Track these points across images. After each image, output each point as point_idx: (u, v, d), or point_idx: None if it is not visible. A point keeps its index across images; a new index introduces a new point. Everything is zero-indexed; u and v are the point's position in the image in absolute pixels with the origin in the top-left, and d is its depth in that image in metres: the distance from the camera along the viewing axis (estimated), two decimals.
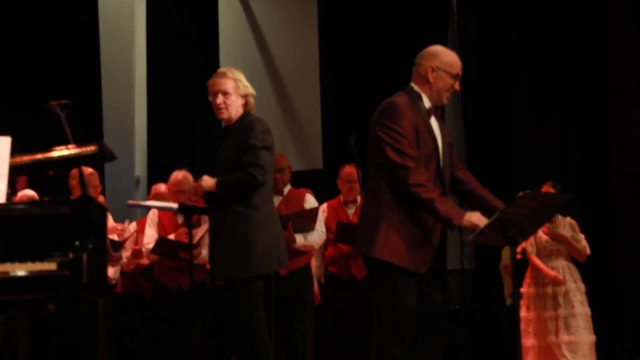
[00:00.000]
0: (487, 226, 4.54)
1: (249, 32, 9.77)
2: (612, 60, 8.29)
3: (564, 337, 7.18)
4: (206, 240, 6.73)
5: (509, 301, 8.30)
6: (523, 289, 7.41)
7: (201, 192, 5.30)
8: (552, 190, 7.20)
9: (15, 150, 4.13)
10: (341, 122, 8.72)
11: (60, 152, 4.49)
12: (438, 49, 4.68)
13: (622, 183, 8.27)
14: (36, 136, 5.14)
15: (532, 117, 8.89)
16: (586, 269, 7.47)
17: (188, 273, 6.11)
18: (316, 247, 6.83)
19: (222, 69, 5.52)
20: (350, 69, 9.28)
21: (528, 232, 4.62)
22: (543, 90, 8.89)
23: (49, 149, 4.49)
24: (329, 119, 9.37)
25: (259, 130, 5.32)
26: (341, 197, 7.12)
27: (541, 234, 7.31)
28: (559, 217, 7.42)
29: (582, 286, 7.35)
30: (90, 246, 3.91)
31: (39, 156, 4.43)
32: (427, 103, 4.63)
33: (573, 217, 7.50)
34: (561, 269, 7.35)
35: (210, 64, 9.58)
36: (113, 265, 6.84)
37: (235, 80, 5.42)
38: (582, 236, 7.43)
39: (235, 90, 5.40)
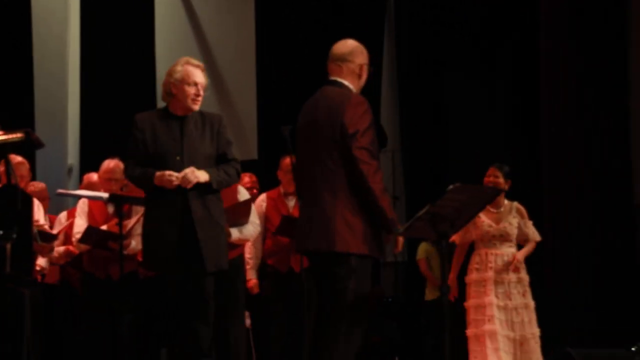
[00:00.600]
0: (417, 219, 4.58)
1: (186, 21, 9.69)
2: (544, 66, 8.39)
3: (496, 327, 6.66)
4: (138, 231, 6.66)
5: (428, 296, 8.34)
6: (468, 277, 6.96)
7: (188, 183, 5.22)
8: (498, 174, 6.80)
9: None
10: (277, 112, 8.69)
11: None
12: (360, 45, 4.81)
13: (551, 174, 8.37)
14: None
15: (467, 107, 8.96)
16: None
17: (118, 263, 6.04)
18: (251, 240, 6.81)
19: (199, 62, 5.47)
20: (287, 59, 9.25)
21: (458, 225, 4.65)
22: (476, 81, 8.95)
23: None
24: (265, 110, 9.34)
25: (227, 126, 5.50)
26: (281, 189, 7.09)
27: (484, 218, 6.80)
28: (506, 201, 6.93)
29: (525, 277, 6.88)
30: (14, 236, 3.85)
31: None
32: None
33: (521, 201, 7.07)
34: (506, 257, 6.82)
35: (145, 53, 9.49)
36: (44, 256, 6.73)
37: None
38: (530, 223, 7.00)
39: (204, 85, 5.41)
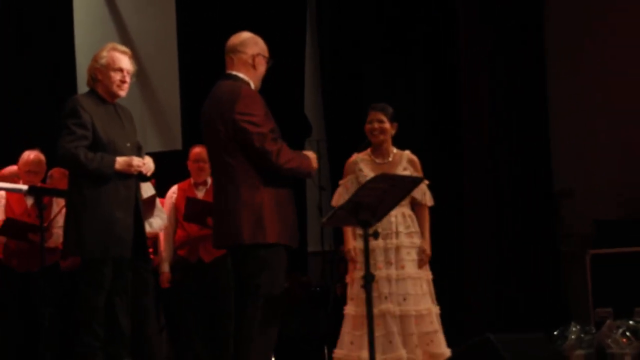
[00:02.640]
0: (339, 208, 4.64)
1: (105, 10, 9.57)
2: (463, 58, 8.47)
3: (391, 306, 5.78)
4: (59, 223, 6.57)
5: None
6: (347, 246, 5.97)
7: (149, 170, 5.25)
8: (383, 117, 5.90)
9: None
10: (200, 101, 8.62)
11: None
12: (254, 36, 4.87)
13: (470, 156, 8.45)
14: None
15: (387, 96, 9.01)
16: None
17: (37, 256, 5.95)
18: (160, 232, 6.79)
19: (126, 48, 5.37)
20: (209, 47, 9.19)
21: (380, 214, 4.70)
22: (394, 69, 8.99)
23: None
24: (188, 99, 9.28)
25: None
26: (191, 179, 7.05)
27: (366, 171, 5.88)
28: (394, 149, 6.01)
29: (417, 242, 5.91)
30: None
31: None
32: (253, 88, 4.81)
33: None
34: (394, 217, 5.84)
35: (64, 42, 9.34)
36: None
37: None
38: (424, 183, 5.94)
39: (131, 72, 5.34)
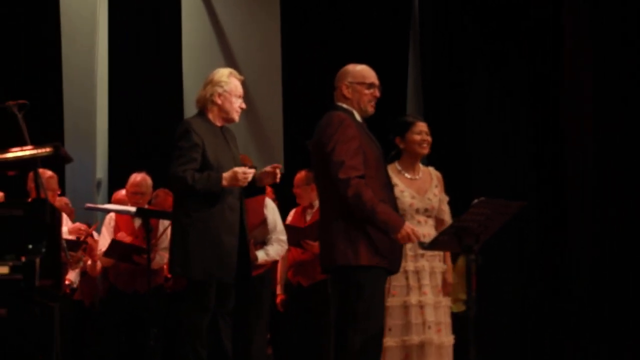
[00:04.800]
0: (441, 234, 4.62)
1: (212, 34, 9.74)
2: (566, 67, 8.38)
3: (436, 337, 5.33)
4: (163, 245, 6.71)
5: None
6: None
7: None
8: (427, 127, 5.51)
9: None
10: (302, 126, 8.72)
11: (15, 153, 4.48)
12: (347, 67, 4.88)
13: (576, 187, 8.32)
14: None
15: (489, 120, 8.93)
16: None
17: (143, 277, 6.08)
18: (278, 259, 6.84)
19: (239, 74, 5.48)
20: (313, 71, 9.28)
21: (483, 238, 4.66)
22: (498, 90, 8.92)
23: (5, 149, 4.48)
24: (291, 122, 9.37)
25: None
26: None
27: (402, 187, 5.44)
28: (420, 165, 5.61)
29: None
30: (43, 250, 3.88)
31: None
32: (358, 118, 4.80)
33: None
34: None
35: (172, 66, 9.55)
36: (73, 269, 6.78)
37: None
38: (445, 198, 5.59)
39: None
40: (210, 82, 5.34)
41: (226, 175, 5.14)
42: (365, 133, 4.73)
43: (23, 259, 3.80)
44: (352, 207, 4.51)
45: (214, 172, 5.16)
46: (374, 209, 4.49)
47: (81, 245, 6.70)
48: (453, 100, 8.99)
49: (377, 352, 4.62)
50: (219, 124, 5.37)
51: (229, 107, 5.32)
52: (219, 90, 5.30)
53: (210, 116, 5.35)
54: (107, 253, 6.66)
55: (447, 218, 5.52)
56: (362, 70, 4.85)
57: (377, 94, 4.84)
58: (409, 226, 4.54)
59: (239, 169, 5.16)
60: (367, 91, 4.80)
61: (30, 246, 3.86)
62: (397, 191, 5.21)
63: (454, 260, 5.29)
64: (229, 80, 5.33)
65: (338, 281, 4.66)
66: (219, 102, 5.30)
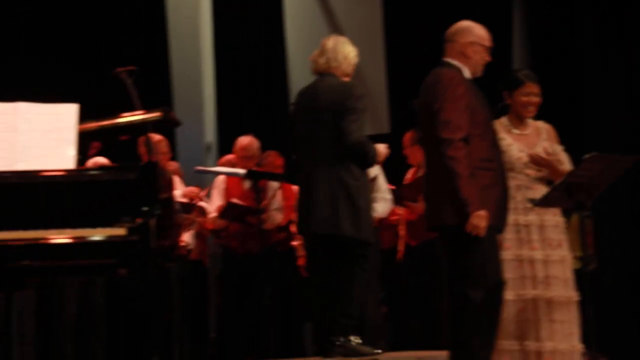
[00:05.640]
0: (553, 189, 4.55)
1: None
2: None
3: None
4: (275, 205, 6.82)
5: None
6: None
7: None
8: (537, 89, 5.33)
9: (83, 117, 4.21)
10: (406, 85, 8.66)
11: (126, 118, 4.58)
12: (471, 25, 4.79)
13: None
14: (104, 103, 5.21)
15: (603, 73, 8.68)
16: None
17: (257, 238, 6.17)
18: (385, 216, 6.86)
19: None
20: (415, 29, 9.20)
21: (594, 194, 4.58)
22: (613, 39, 8.63)
23: (116, 115, 4.59)
24: (395, 82, 9.33)
25: None
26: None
27: (510, 140, 5.28)
28: (528, 120, 5.35)
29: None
30: (157, 212, 3.97)
31: (106, 122, 4.53)
32: (467, 75, 4.72)
33: None
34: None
35: (275, 31, 9.60)
36: (187, 230, 6.92)
37: None
38: (560, 148, 5.36)
39: None
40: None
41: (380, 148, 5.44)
42: (474, 91, 4.67)
43: (138, 221, 3.88)
44: (444, 166, 4.48)
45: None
46: (461, 182, 4.43)
47: (194, 207, 6.84)
48: (563, 49, 8.77)
49: (498, 307, 4.57)
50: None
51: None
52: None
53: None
54: (223, 214, 6.78)
55: (567, 167, 5.18)
56: (484, 32, 4.80)
57: (489, 58, 4.80)
58: (482, 219, 4.44)
59: (382, 148, 5.43)
60: (484, 54, 4.77)
61: (145, 208, 3.93)
62: (504, 145, 5.07)
63: (568, 216, 5.15)
64: (352, 50, 5.47)
65: (448, 240, 4.63)
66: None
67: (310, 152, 5.30)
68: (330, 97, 5.28)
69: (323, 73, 5.41)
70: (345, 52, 5.42)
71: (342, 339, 5.12)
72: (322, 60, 5.41)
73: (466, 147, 4.46)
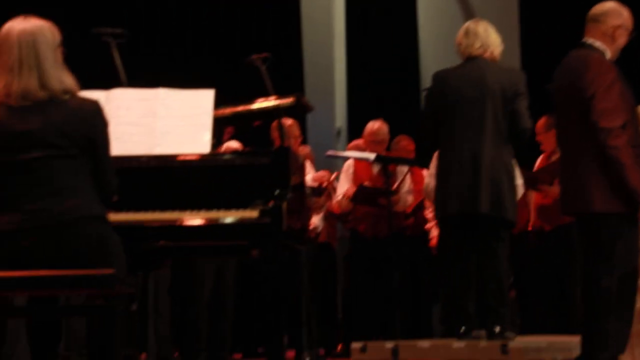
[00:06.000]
0: None
1: None
2: None
3: None
4: (405, 188, 6.87)
5: None
6: None
7: None
8: None
9: (218, 103, 4.33)
10: (541, 69, 8.53)
11: (260, 104, 4.68)
12: (619, 7, 4.66)
13: None
14: (238, 89, 5.34)
15: None
16: None
17: (384, 221, 6.20)
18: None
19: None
20: (550, 11, 9.04)
21: None
22: None
23: (250, 101, 4.69)
24: (529, 67, 9.19)
25: None
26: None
27: None
28: None
29: None
30: (289, 195, 4.05)
31: (241, 108, 4.64)
32: (608, 57, 4.60)
33: None
34: None
35: (408, 15, 9.59)
36: (316, 213, 7.02)
37: None
38: None
39: None
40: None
41: None
42: (621, 75, 4.57)
43: (270, 204, 3.97)
44: (607, 157, 4.38)
45: None
46: (628, 171, 4.34)
47: (324, 191, 6.94)
48: None
49: (632, 294, 4.48)
50: None
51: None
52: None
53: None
54: (354, 197, 6.85)
55: None
56: (630, 16, 4.68)
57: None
58: None
59: None
60: (626, 38, 4.66)
61: (277, 192, 4.02)
62: None
63: None
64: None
65: (593, 226, 4.53)
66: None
67: (474, 133, 5.21)
68: (501, 81, 5.25)
69: (475, 57, 5.36)
70: (495, 36, 5.40)
71: (498, 327, 5.09)
72: (477, 44, 5.34)
73: (624, 134, 4.38)
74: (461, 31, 5.41)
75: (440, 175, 5.32)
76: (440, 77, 5.39)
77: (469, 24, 5.44)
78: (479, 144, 5.18)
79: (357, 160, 6.90)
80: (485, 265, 5.22)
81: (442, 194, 5.27)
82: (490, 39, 5.36)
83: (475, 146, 5.18)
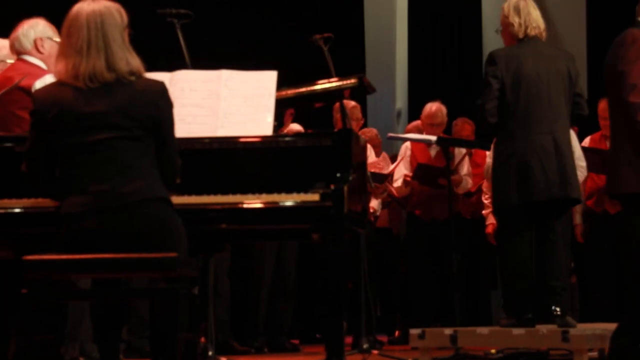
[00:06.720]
0: None
1: None
2: None
3: None
4: (464, 171, 6.81)
5: None
6: None
7: None
8: None
9: (280, 84, 4.29)
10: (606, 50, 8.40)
11: (322, 85, 4.64)
12: None
13: None
14: (300, 69, 5.31)
15: None
16: None
17: (441, 204, 6.15)
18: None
19: None
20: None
21: None
22: None
23: (313, 82, 4.65)
24: (595, 51, 9.06)
25: None
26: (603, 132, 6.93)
27: None
28: None
29: None
30: (350, 178, 4.01)
31: (303, 89, 4.60)
32: None
33: None
34: None
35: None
36: (377, 198, 6.98)
37: None
38: None
39: None
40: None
41: None
42: None
43: (332, 186, 3.93)
44: (637, 133, 4.27)
45: None
46: None
47: (386, 177, 6.90)
48: None
49: None
50: None
51: None
52: None
53: None
54: (415, 176, 6.81)
55: None
56: None
57: None
58: None
59: None
60: None
61: (339, 174, 3.97)
62: None
63: None
64: None
65: (626, 209, 4.45)
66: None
67: (552, 116, 5.10)
68: (566, 62, 5.17)
69: (532, 37, 5.19)
70: (539, 14, 5.25)
71: (559, 309, 5.03)
72: (533, 23, 5.14)
73: None
74: (509, 9, 5.15)
75: (514, 159, 5.09)
76: (507, 56, 5.14)
77: (517, 1, 5.18)
78: (557, 127, 5.08)
79: (415, 142, 6.84)
80: (550, 249, 5.13)
81: (523, 178, 5.05)
82: (540, 18, 5.18)
83: (553, 129, 5.07)
